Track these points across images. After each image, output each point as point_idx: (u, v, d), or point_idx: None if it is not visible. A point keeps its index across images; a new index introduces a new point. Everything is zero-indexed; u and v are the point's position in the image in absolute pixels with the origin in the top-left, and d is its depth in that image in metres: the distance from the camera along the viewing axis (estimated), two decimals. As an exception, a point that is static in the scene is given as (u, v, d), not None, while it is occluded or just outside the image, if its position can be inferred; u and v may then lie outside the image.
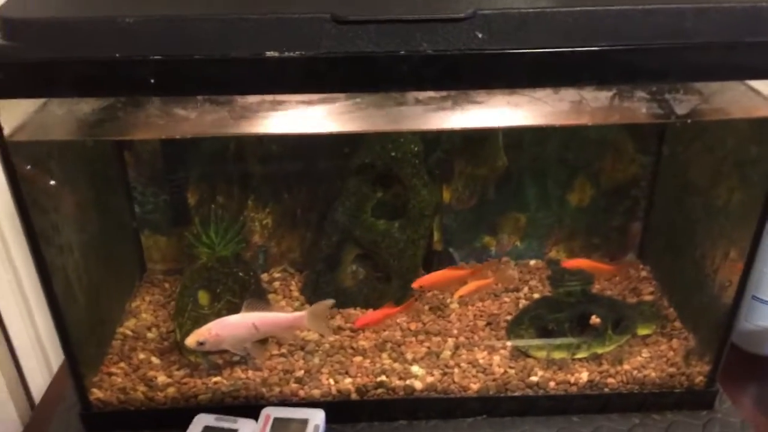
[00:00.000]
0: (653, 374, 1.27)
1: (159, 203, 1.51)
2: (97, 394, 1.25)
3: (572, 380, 1.26)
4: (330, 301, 1.24)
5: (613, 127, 1.47)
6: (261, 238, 1.55)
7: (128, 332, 1.41)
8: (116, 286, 1.46)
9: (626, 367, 1.29)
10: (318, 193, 1.51)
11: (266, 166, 1.48)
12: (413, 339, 1.38)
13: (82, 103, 1.01)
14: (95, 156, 1.35)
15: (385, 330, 1.40)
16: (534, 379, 1.26)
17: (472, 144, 1.48)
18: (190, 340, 1.12)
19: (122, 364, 1.33)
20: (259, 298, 1.25)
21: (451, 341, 1.37)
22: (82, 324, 1.24)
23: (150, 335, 1.41)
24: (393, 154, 1.40)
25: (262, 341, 1.28)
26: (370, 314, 1.40)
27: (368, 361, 1.32)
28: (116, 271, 1.46)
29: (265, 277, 1.56)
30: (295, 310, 1.43)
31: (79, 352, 1.19)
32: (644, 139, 1.48)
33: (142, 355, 1.35)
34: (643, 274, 1.56)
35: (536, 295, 1.49)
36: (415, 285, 1.32)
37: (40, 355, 1.50)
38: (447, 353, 1.34)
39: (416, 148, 1.40)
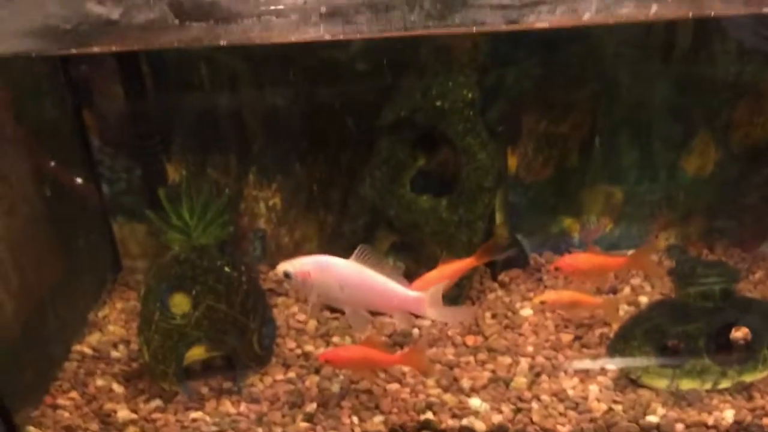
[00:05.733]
0: (837, 414, 0.86)
1: (133, 180, 1.18)
2: (33, 435, 0.92)
3: (710, 422, 0.92)
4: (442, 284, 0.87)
5: (751, 61, 1.06)
6: (263, 223, 1.20)
7: (87, 350, 1.09)
8: (75, 290, 1.13)
9: (793, 403, 0.89)
10: (341, 162, 1.15)
11: (270, 123, 1.13)
12: (471, 359, 1.02)
13: None
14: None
15: (432, 346, 1.02)
16: (653, 419, 0.93)
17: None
18: (279, 267, 0.87)
19: (74, 394, 1.00)
20: (377, 252, 0.89)
21: (525, 362, 1.00)
22: (11, 338, 0.93)
23: (115, 354, 1.08)
24: (438, 103, 1.03)
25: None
26: (346, 349, 1.01)
27: (408, 390, 0.96)
28: (76, 270, 1.12)
29: (266, 271, 1.20)
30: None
31: (6, 376, 0.91)
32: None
33: (101, 382, 1.03)
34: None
35: (643, 299, 1.09)
36: (321, 359, 0.98)
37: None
38: (521, 380, 0.97)
39: (470, 95, 1.04)
